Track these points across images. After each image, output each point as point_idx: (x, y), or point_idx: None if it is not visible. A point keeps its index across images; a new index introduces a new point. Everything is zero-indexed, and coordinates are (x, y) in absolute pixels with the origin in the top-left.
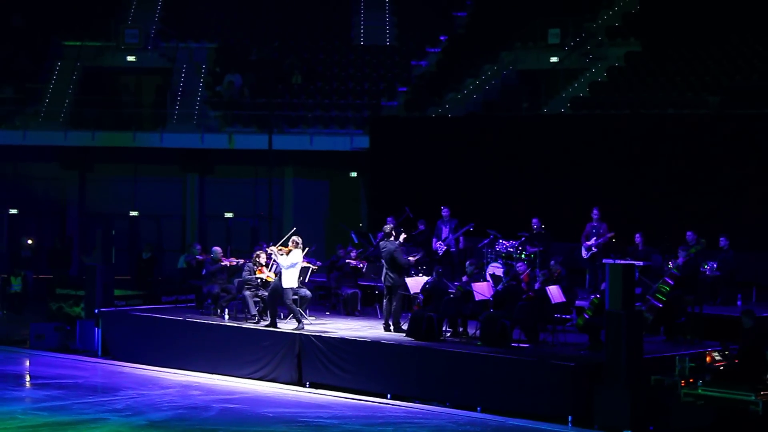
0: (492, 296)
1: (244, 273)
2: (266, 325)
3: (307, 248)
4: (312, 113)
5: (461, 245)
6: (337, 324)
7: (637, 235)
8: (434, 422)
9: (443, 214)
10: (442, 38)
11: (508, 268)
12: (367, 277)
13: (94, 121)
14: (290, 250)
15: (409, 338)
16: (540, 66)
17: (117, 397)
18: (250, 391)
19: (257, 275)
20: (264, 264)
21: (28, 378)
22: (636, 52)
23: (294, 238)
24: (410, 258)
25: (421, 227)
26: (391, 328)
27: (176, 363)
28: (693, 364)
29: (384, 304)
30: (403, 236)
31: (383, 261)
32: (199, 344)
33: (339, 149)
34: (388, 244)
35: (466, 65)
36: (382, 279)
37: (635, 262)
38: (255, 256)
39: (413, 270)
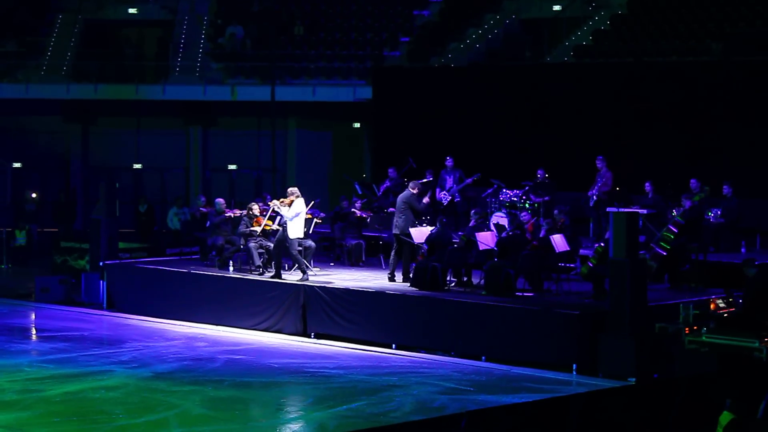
0: (496, 245)
1: (241, 227)
2: (271, 277)
3: (312, 202)
4: (314, 64)
5: (468, 194)
6: (341, 275)
7: (647, 183)
8: (439, 372)
9: (447, 164)
10: None
11: (512, 217)
12: (371, 227)
13: (96, 74)
14: (291, 201)
15: (414, 288)
16: (542, 14)
17: (123, 349)
18: (256, 342)
19: (254, 227)
20: (259, 214)
21: (34, 331)
22: None
23: (291, 188)
24: (424, 200)
25: (429, 177)
26: (396, 278)
27: (181, 315)
28: (697, 312)
29: (392, 254)
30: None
31: (396, 209)
32: (204, 296)
33: (342, 100)
34: (406, 192)
35: (469, 14)
36: (392, 229)
37: (642, 211)
38: (248, 208)
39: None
